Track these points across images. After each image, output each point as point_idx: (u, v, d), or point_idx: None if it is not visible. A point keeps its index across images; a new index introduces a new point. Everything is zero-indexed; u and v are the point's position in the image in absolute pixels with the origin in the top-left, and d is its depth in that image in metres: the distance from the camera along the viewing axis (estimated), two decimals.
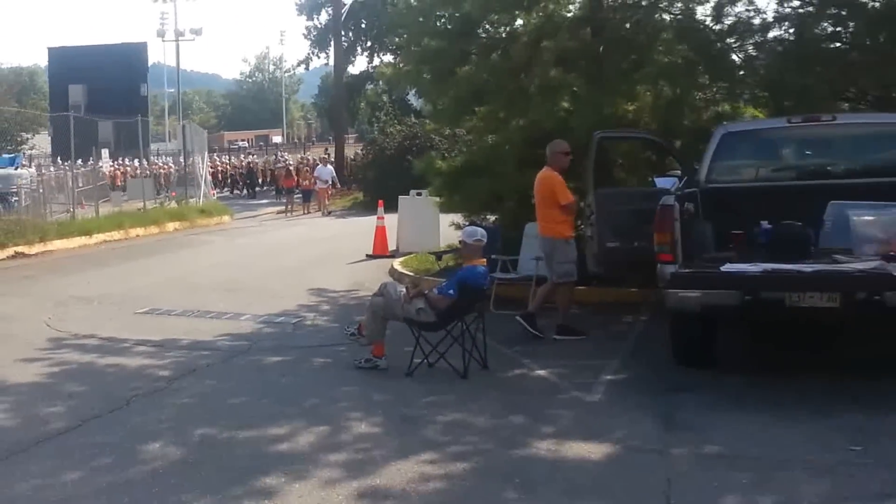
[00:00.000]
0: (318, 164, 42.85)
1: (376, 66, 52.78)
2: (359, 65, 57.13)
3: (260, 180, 54.28)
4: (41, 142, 62.62)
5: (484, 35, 15.97)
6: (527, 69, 14.78)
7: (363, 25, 56.22)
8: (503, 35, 15.92)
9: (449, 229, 18.40)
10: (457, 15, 15.61)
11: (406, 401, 8.68)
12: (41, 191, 31.89)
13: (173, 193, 35.74)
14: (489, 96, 15.09)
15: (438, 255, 14.64)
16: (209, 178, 38.73)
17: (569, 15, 15.85)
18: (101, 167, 33.82)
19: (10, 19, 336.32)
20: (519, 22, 15.92)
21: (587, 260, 12.79)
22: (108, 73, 72.03)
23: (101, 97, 66.80)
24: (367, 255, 20.34)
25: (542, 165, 12.21)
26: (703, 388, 8.76)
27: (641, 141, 14.67)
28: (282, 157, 56.39)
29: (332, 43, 53.42)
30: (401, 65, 18.90)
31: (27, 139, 61.06)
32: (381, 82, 54.00)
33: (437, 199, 17.08)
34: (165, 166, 49.76)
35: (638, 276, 12.81)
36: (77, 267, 19.46)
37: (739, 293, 8.42)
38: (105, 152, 31.35)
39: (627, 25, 15.42)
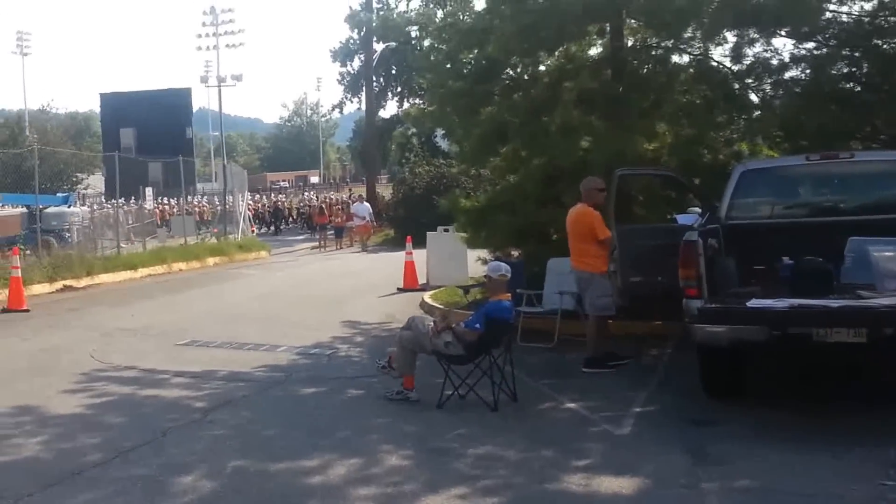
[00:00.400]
0: (354, 202, 42.37)
1: (405, 110, 52.80)
2: (389, 109, 56.96)
3: (288, 217, 54.17)
4: (96, 182, 62.99)
5: (506, 77, 15.64)
6: (548, 109, 14.45)
7: (393, 71, 56.22)
8: (525, 76, 15.56)
9: (476, 263, 18.04)
10: (482, 60, 15.32)
11: (437, 433, 8.29)
12: (92, 227, 31.83)
13: (215, 230, 35.46)
14: (512, 135, 14.75)
15: (466, 289, 14.26)
16: (249, 215, 38.45)
17: (589, 56, 15.56)
18: (146, 205, 33.60)
19: (67, 67, 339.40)
20: (541, 66, 15.60)
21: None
22: (156, 117, 72.51)
23: (149, 140, 67.25)
24: (398, 289, 19.98)
25: (561, 202, 11.87)
26: (731, 420, 8.33)
27: (661, 178, 14.29)
28: (308, 196, 56.17)
29: (364, 88, 53.41)
30: (425, 106, 18.63)
31: (82, 179, 61.12)
32: (410, 125, 54.04)
33: (463, 235, 16.69)
34: (200, 205, 49.74)
35: (661, 309, 12.39)
36: (122, 300, 19.19)
37: (766, 328, 8.02)
38: (149, 190, 31.12)
39: (647, 67, 15.12)
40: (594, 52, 15.68)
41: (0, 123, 67.34)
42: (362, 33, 54.94)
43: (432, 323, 9.60)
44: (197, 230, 34.66)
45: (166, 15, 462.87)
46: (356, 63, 57.65)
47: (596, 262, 11.11)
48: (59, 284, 20.56)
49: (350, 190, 57.17)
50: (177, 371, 11.15)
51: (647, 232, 12.58)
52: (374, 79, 54.24)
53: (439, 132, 56.32)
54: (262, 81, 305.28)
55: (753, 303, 8.33)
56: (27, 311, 16.92)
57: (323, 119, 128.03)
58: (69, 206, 36.55)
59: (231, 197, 35.84)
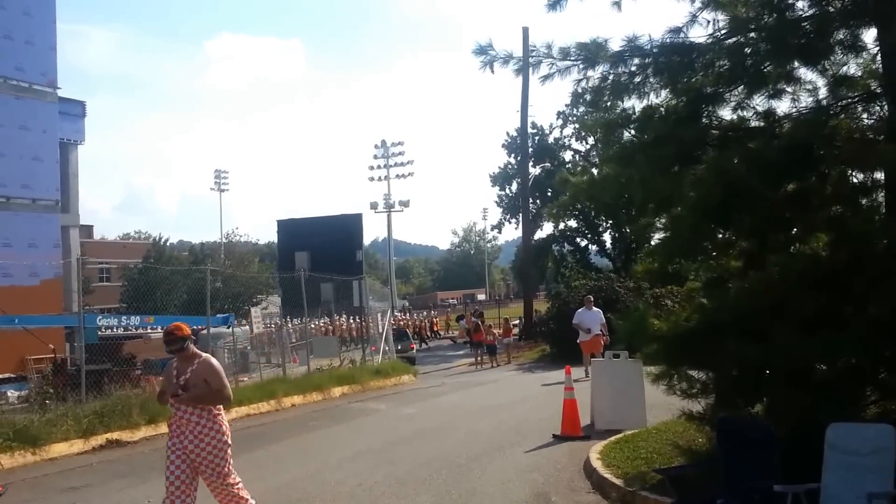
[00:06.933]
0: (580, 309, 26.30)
1: (561, 230, 46.77)
2: (546, 229, 50.45)
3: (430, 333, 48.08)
4: (276, 301, 59.06)
5: (719, 120, 8.33)
6: (804, 165, 7.19)
7: (548, 193, 50.26)
8: (758, 115, 8.17)
9: (658, 400, 10.77)
10: (674, 99, 8.19)
11: None
12: (248, 347, 25.98)
13: (373, 348, 28.27)
14: (741, 209, 7.46)
15: (671, 477, 6.90)
16: (391, 334, 31.09)
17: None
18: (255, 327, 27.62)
19: (255, 199, 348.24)
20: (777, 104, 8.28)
21: None
22: (328, 241, 67.96)
23: (322, 262, 62.40)
24: (553, 436, 12.52)
25: (841, 321, 4.82)
26: None
27: None
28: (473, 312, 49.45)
29: (522, 209, 47.13)
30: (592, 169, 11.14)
31: (261, 300, 57.28)
32: (565, 244, 47.63)
33: (652, 370, 9.21)
34: (339, 322, 43.28)
35: None
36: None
37: None
38: (255, 311, 25.06)
39: None
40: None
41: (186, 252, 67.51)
42: (518, 158, 49.65)
43: None
44: (340, 351, 27.76)
45: (343, 149, 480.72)
46: (514, 186, 52.49)
47: None
48: (100, 439, 13.17)
49: (471, 312, 48.28)
50: None
51: None
52: (531, 200, 48.30)
53: (593, 249, 49.84)
54: (435, 209, 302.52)
55: None
56: None
57: (488, 244, 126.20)
58: (228, 327, 30.90)
59: (369, 316, 28.96)
